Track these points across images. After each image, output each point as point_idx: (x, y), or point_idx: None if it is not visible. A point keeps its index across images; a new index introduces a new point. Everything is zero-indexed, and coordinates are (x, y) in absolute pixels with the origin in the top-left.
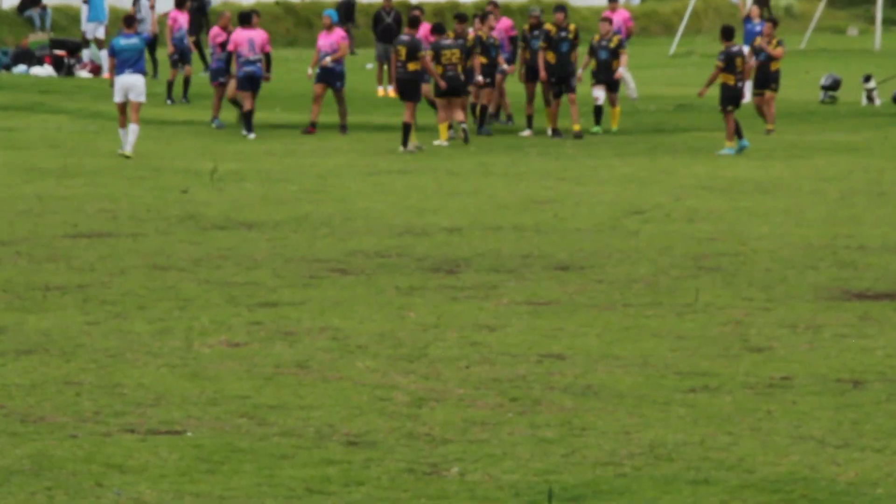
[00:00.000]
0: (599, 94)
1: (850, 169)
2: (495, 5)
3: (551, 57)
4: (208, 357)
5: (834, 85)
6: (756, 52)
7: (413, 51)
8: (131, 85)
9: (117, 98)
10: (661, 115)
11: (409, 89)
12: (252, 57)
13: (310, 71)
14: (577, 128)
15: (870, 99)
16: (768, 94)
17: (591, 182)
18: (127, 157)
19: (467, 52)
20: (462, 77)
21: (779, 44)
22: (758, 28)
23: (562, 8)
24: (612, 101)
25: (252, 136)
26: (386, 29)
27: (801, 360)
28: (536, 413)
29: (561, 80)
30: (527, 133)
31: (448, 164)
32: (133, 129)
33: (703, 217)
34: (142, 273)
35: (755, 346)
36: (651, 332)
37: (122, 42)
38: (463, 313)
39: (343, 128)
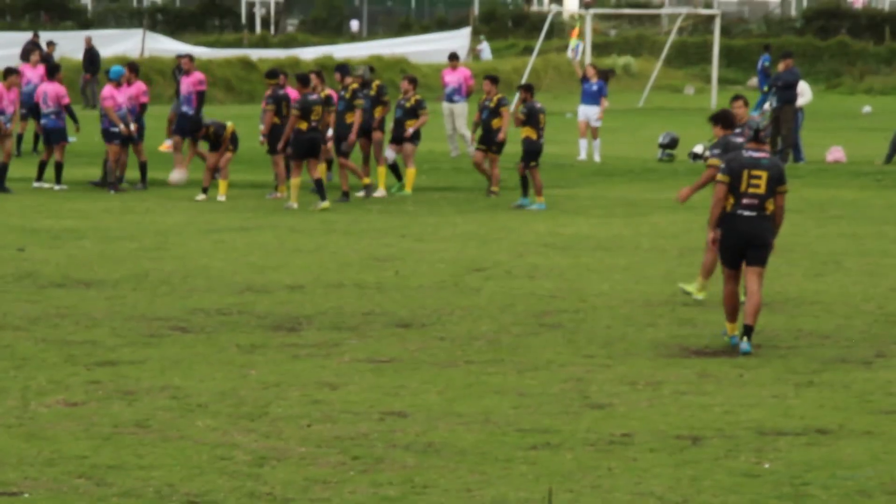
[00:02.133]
0: (390, 154)
1: (688, 227)
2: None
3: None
4: (45, 417)
5: (671, 143)
6: (479, 108)
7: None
8: None
9: None
10: (502, 172)
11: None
12: (46, 110)
13: (122, 126)
14: (366, 181)
15: (696, 157)
16: (491, 154)
17: (433, 239)
18: None
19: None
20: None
21: (500, 103)
22: (594, 87)
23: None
24: (406, 160)
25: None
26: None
27: (641, 417)
28: (378, 471)
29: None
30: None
31: (290, 221)
32: None
33: (544, 274)
34: None
35: (596, 403)
36: (493, 390)
37: None
38: (304, 371)
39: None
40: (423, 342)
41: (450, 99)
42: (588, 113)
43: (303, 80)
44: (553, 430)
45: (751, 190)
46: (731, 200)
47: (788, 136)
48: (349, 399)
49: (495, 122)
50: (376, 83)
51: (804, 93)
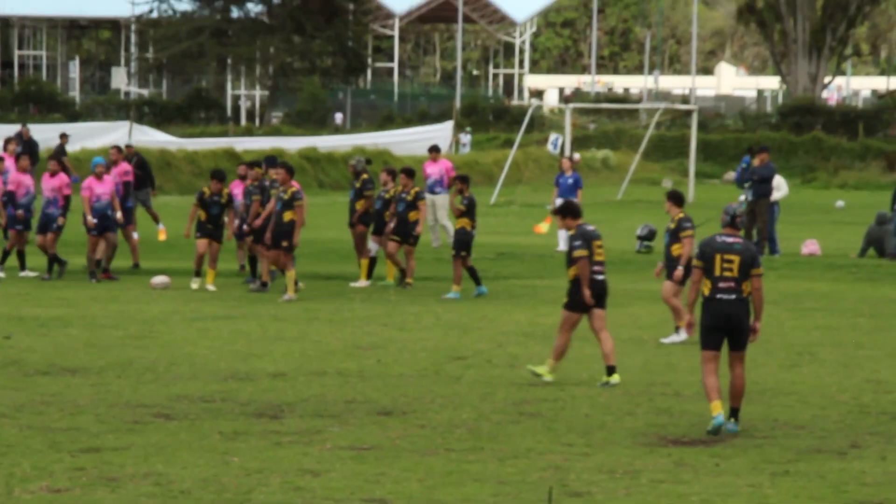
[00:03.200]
0: (373, 246)
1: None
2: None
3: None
4: (29, 503)
5: (649, 235)
6: (395, 200)
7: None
8: None
9: None
10: (483, 262)
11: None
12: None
13: (90, 219)
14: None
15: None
16: (406, 246)
17: (414, 328)
18: None
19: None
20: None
21: (417, 196)
22: (570, 180)
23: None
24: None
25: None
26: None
27: None
28: None
29: None
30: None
31: (273, 310)
32: None
33: (524, 363)
34: None
35: (574, 492)
36: (473, 477)
37: None
38: (286, 458)
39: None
40: (405, 430)
41: (431, 190)
42: None
43: (290, 170)
44: None
45: (725, 273)
46: (709, 285)
47: (764, 230)
48: (331, 486)
49: (412, 215)
50: (364, 176)
51: (780, 187)
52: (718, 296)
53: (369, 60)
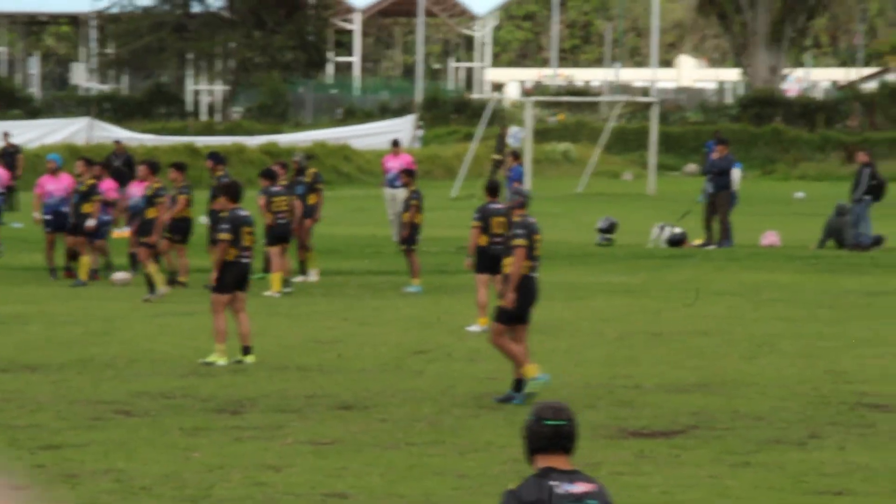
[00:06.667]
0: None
1: (627, 310)
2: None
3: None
4: None
5: (610, 227)
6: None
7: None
8: None
9: None
10: (444, 256)
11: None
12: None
13: (37, 216)
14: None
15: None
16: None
17: (376, 323)
18: None
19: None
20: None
21: (181, 192)
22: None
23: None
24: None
25: None
26: (116, 172)
27: None
28: None
29: None
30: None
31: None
32: None
33: (484, 357)
34: None
35: None
36: (434, 471)
37: None
38: (247, 454)
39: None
40: (366, 424)
41: (391, 184)
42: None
43: (268, 175)
44: None
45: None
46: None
47: (726, 221)
48: (291, 481)
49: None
50: (312, 170)
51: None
52: (528, 273)
53: (330, 55)
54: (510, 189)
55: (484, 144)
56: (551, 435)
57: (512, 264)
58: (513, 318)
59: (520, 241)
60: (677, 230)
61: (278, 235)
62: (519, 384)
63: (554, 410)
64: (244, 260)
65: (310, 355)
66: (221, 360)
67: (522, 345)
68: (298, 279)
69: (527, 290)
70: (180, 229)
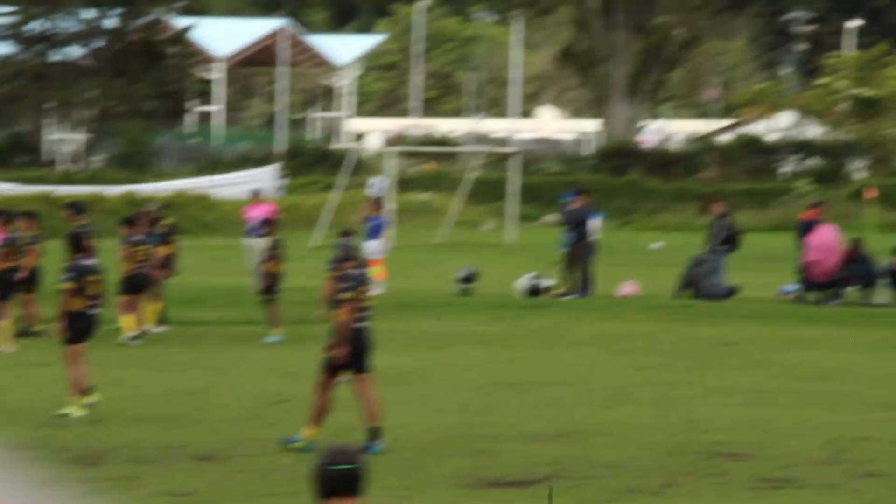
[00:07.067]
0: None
1: (485, 359)
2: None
3: None
4: None
5: (469, 277)
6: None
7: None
8: None
9: None
10: (303, 306)
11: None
12: None
13: None
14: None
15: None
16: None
17: (235, 373)
18: None
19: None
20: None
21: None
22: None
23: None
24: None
25: None
26: None
27: None
28: None
29: None
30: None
31: (92, 355)
32: None
33: (343, 406)
34: None
35: None
36: None
37: None
38: None
39: None
40: (224, 475)
41: (252, 234)
42: (372, 247)
43: (129, 222)
44: None
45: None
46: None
47: (587, 271)
48: None
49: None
50: (168, 221)
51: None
52: (357, 325)
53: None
54: (368, 237)
55: (348, 194)
56: (340, 479)
57: (340, 316)
58: (338, 368)
59: (347, 295)
60: (550, 281)
61: (137, 284)
62: (375, 432)
63: (343, 455)
64: (91, 311)
65: (168, 406)
66: (78, 412)
67: (365, 396)
68: (160, 329)
69: (357, 341)
70: (28, 279)
